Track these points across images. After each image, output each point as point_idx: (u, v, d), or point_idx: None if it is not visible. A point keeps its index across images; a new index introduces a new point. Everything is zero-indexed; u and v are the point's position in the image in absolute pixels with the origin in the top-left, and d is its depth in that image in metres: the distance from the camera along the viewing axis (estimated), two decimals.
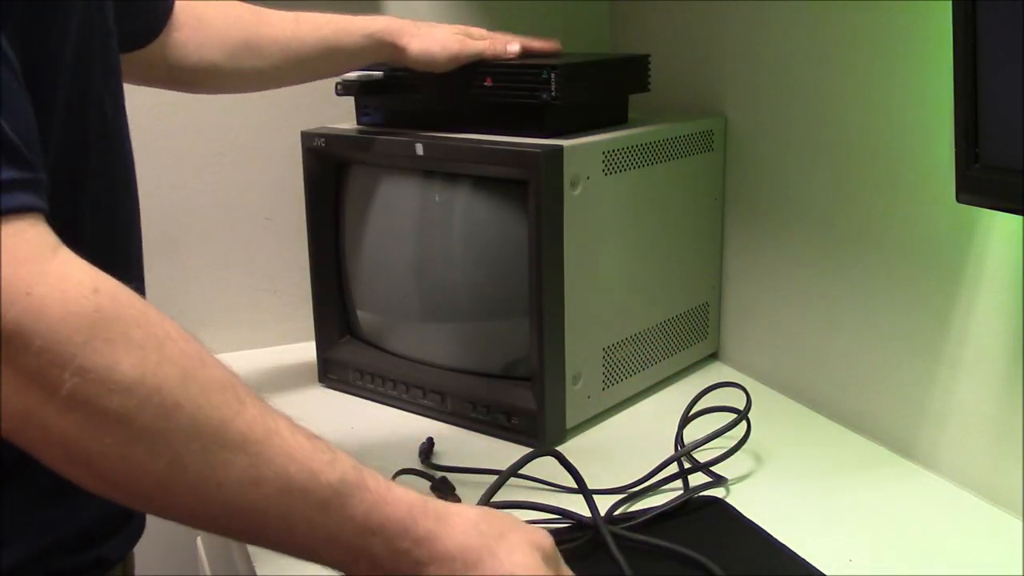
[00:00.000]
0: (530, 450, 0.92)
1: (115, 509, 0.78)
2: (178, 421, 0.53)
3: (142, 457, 0.52)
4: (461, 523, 0.62)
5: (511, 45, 1.09)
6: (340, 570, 0.61)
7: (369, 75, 1.14)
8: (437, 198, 1.11)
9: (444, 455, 1.04)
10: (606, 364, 1.12)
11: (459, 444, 1.07)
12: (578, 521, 0.88)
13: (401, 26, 1.07)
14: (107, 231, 0.74)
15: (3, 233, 0.50)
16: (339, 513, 0.58)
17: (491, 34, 1.11)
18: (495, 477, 0.88)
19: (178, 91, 1.07)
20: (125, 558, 0.81)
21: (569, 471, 0.89)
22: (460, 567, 0.61)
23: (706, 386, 1.05)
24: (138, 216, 0.81)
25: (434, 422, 1.13)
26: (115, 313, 0.52)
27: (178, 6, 0.99)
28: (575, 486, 0.89)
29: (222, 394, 0.55)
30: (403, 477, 0.97)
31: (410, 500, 0.61)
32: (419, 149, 1.08)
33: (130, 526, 0.80)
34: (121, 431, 0.52)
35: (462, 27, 1.11)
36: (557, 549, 0.67)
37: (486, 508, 0.67)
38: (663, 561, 0.83)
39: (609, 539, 0.83)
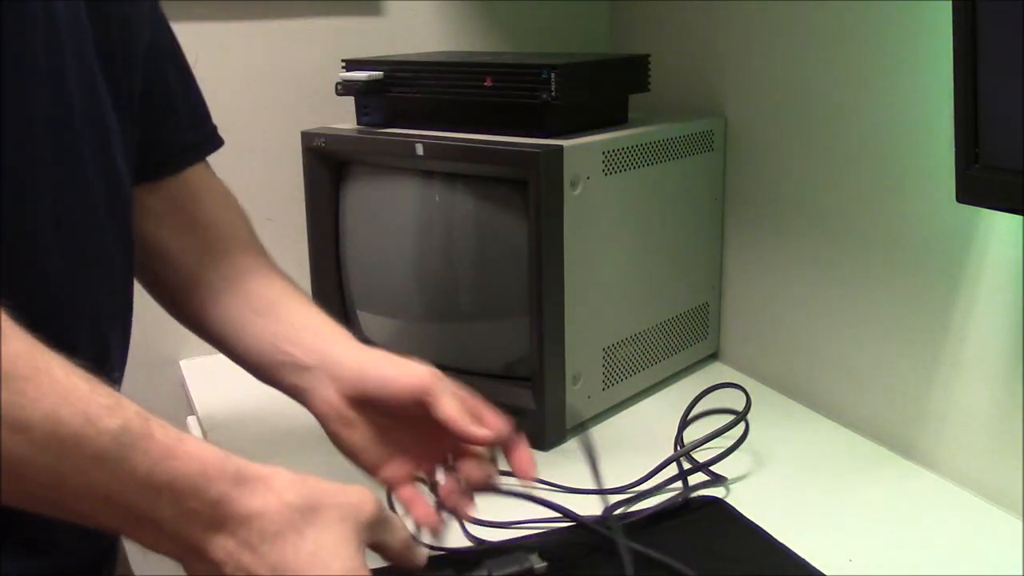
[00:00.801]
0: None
1: (87, 558, 0.76)
2: None
3: None
4: (264, 490, 0.56)
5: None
6: (122, 533, 0.54)
7: (369, 75, 1.14)
8: (437, 198, 1.11)
9: None
10: (606, 364, 1.12)
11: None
12: (577, 521, 0.88)
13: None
14: (74, 257, 0.68)
15: None
16: (119, 467, 0.51)
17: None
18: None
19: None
20: None
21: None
22: (255, 536, 0.54)
23: (706, 386, 1.05)
24: (123, 241, 0.75)
25: None
26: None
27: (196, 173, 0.87)
28: (575, 486, 0.89)
29: None
30: None
31: (205, 456, 0.54)
32: (419, 149, 1.08)
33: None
34: None
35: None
36: (382, 509, 0.61)
37: (302, 476, 0.58)
38: (661, 561, 0.83)
39: (620, 540, 0.83)
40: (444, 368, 1.13)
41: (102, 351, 0.75)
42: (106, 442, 0.51)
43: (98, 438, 0.51)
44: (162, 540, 0.55)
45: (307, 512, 0.56)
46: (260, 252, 0.89)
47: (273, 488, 0.56)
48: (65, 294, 0.69)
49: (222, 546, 0.54)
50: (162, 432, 0.54)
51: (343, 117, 1.25)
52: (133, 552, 0.88)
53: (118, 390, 0.75)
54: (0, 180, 0.63)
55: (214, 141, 0.93)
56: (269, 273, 0.87)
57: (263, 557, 0.55)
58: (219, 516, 0.54)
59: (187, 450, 0.54)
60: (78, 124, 0.69)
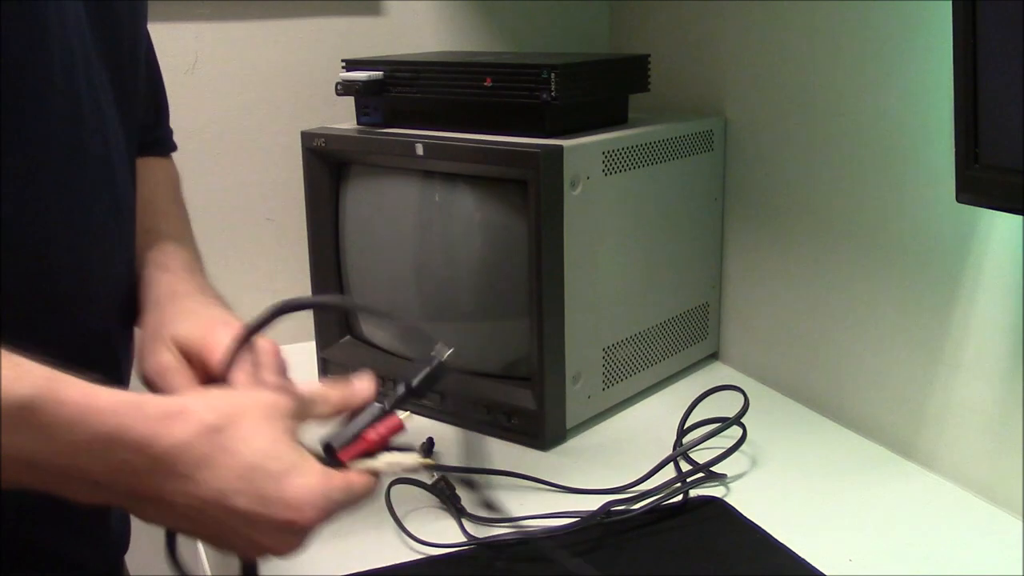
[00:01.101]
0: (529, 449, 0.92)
1: (91, 570, 0.76)
2: None
3: None
4: (183, 421, 0.55)
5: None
6: (57, 494, 0.54)
7: (369, 75, 1.14)
8: (437, 198, 1.11)
9: (444, 455, 1.04)
10: (606, 364, 1.12)
11: (459, 444, 1.07)
12: (577, 520, 0.88)
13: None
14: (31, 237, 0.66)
15: None
16: (37, 435, 0.51)
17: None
18: (494, 477, 0.88)
19: None
20: None
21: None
22: (189, 467, 0.55)
23: (706, 386, 1.05)
24: (125, 246, 0.74)
25: (434, 422, 1.13)
26: None
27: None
28: (575, 486, 0.89)
29: None
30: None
31: (119, 406, 0.54)
32: (419, 149, 1.08)
33: None
34: None
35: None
36: (298, 395, 0.62)
37: (214, 394, 0.59)
38: (661, 560, 0.83)
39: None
40: (445, 368, 1.14)
41: (112, 359, 0.75)
42: (16, 413, 0.51)
43: (10, 411, 0.51)
44: (100, 493, 0.55)
45: (228, 427, 0.57)
46: (168, 236, 0.84)
47: (191, 416, 0.56)
48: (69, 300, 0.69)
49: (162, 486, 0.55)
50: (73, 391, 0.53)
51: (343, 117, 1.25)
52: (137, 561, 0.88)
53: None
54: (9, 183, 0.63)
55: (169, 143, 0.93)
56: (157, 252, 0.82)
57: (204, 484, 0.55)
58: (149, 459, 0.54)
59: (100, 405, 0.53)
60: (87, 117, 0.69)
